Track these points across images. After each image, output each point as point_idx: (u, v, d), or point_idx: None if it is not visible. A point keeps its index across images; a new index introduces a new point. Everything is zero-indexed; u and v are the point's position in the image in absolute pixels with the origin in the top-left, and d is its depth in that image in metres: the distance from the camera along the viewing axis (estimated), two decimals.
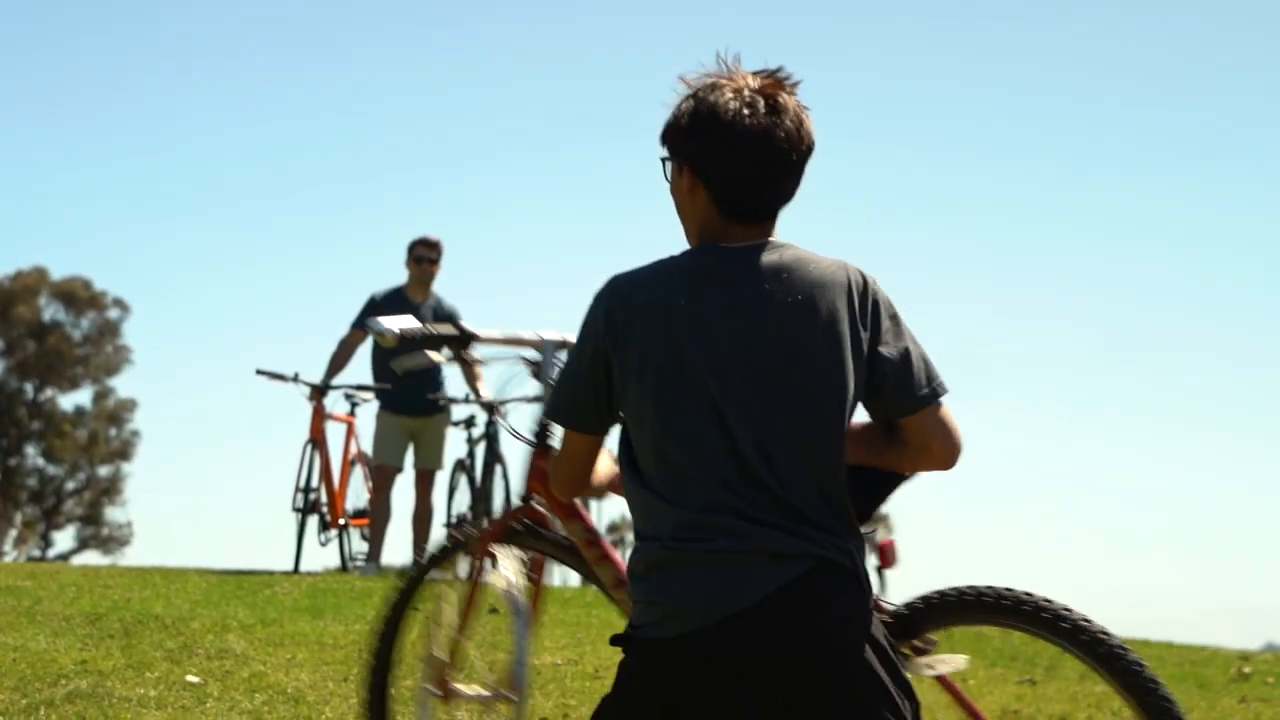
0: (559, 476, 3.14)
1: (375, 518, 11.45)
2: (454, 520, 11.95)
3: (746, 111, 2.85)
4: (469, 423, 11.92)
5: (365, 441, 11.70)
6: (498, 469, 11.65)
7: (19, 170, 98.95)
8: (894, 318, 2.90)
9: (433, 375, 11.49)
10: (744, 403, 2.76)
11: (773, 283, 2.82)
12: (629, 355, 2.82)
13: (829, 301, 2.82)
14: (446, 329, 4.55)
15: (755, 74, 2.93)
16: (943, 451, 2.94)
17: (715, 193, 2.89)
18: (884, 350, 2.86)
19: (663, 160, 3.00)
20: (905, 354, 2.88)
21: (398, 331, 4.42)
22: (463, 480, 11.98)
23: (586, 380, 2.91)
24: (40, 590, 8.54)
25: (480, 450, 11.80)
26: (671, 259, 2.91)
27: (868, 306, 2.87)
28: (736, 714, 2.63)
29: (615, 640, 2.82)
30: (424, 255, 11.48)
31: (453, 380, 11.70)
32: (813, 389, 2.78)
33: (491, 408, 11.64)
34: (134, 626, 7.06)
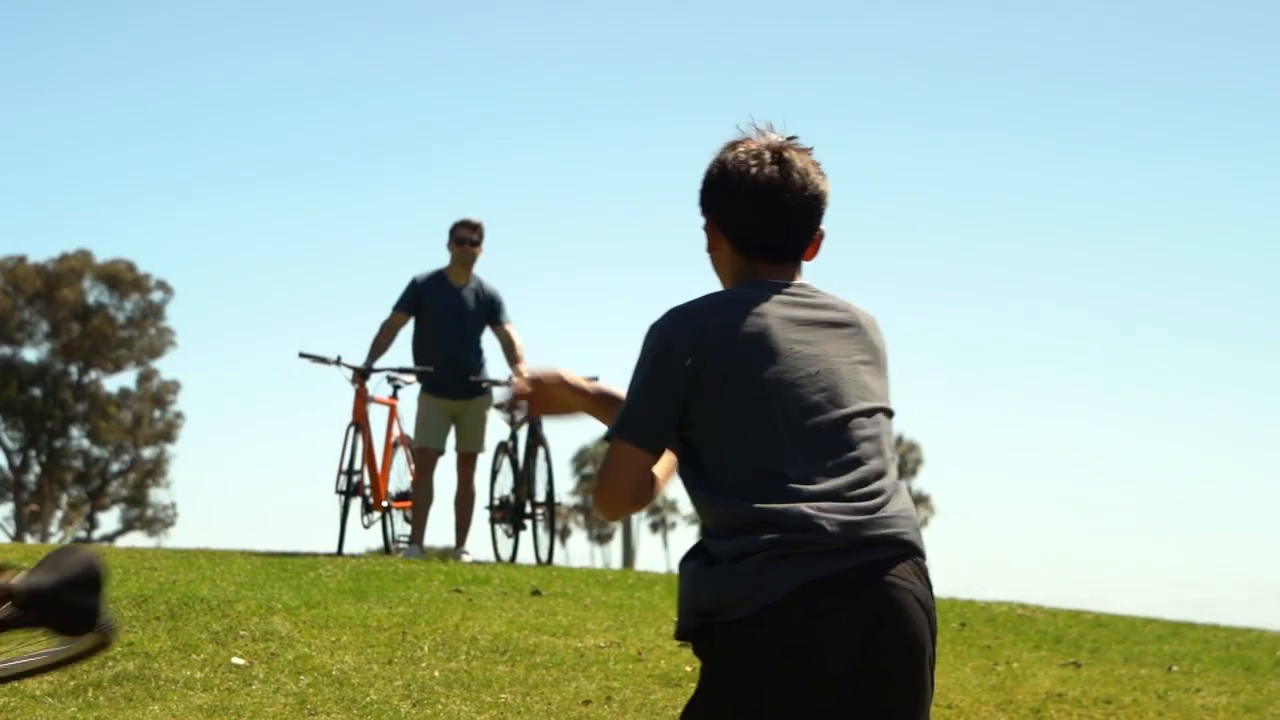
0: (609, 491, 3.19)
1: (418, 500, 11.46)
2: (496, 503, 11.98)
3: (754, 164, 3.16)
4: (511, 405, 11.91)
5: (408, 424, 11.70)
6: (540, 452, 11.67)
7: (64, 154, 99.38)
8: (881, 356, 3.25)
9: (474, 357, 11.52)
10: (811, 412, 3.02)
11: (810, 312, 3.13)
12: (704, 376, 3.03)
13: (855, 335, 3.16)
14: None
15: (774, 136, 3.24)
16: None
17: (733, 239, 3.19)
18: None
19: (703, 227, 3.28)
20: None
21: None
22: (505, 463, 12.00)
23: (657, 401, 3.08)
24: None
25: (523, 433, 11.83)
26: (725, 291, 3.21)
27: (877, 341, 3.21)
28: (825, 673, 2.84)
29: (688, 635, 3.01)
30: (465, 237, 11.48)
31: (496, 362, 11.72)
32: (861, 401, 3.07)
33: None
34: (180, 609, 7.09)
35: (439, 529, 12.09)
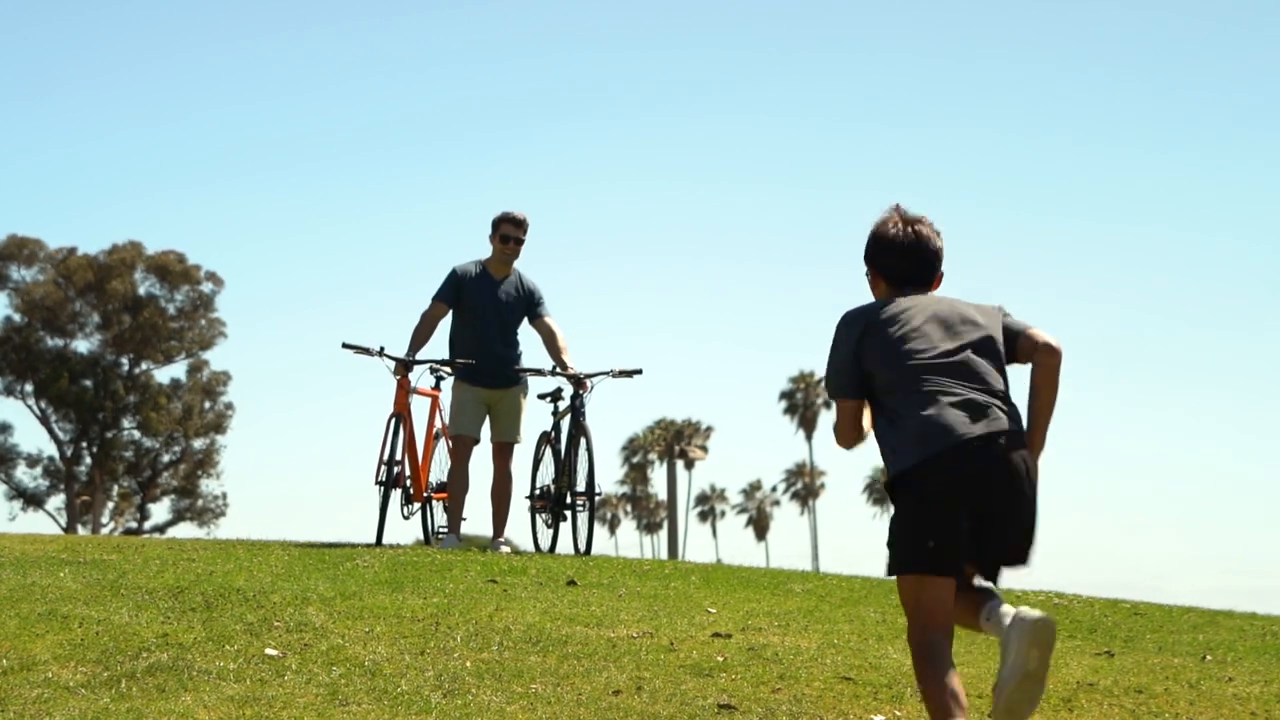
0: (843, 432, 5.42)
1: (453, 489, 11.50)
2: (537, 493, 12.00)
3: (895, 231, 5.42)
4: (555, 396, 11.98)
5: (449, 416, 11.75)
6: (582, 442, 11.68)
7: (115, 146, 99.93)
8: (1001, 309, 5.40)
9: (511, 350, 11.56)
10: (942, 362, 5.17)
11: (932, 301, 5.34)
12: (872, 350, 5.20)
13: (963, 310, 5.32)
14: None
15: (909, 213, 5.49)
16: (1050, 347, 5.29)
17: (885, 277, 5.45)
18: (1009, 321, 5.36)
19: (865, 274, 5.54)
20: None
21: None
22: (547, 453, 12.03)
23: (849, 369, 5.27)
24: (125, 564, 8.66)
25: (565, 424, 11.85)
26: (877, 301, 5.40)
27: (988, 311, 5.38)
28: (971, 487, 5.04)
29: (888, 486, 5.21)
30: (510, 234, 11.53)
31: (531, 355, 11.77)
32: (983, 349, 5.25)
33: (579, 381, 11.69)
34: (215, 600, 7.15)
35: (481, 520, 12.13)
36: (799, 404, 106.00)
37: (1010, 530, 5.12)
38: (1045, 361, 5.27)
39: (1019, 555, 5.19)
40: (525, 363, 11.67)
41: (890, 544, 5.17)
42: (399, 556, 9.46)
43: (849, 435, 5.41)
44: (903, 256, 5.38)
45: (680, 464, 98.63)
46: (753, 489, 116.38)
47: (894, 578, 5.14)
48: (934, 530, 5.02)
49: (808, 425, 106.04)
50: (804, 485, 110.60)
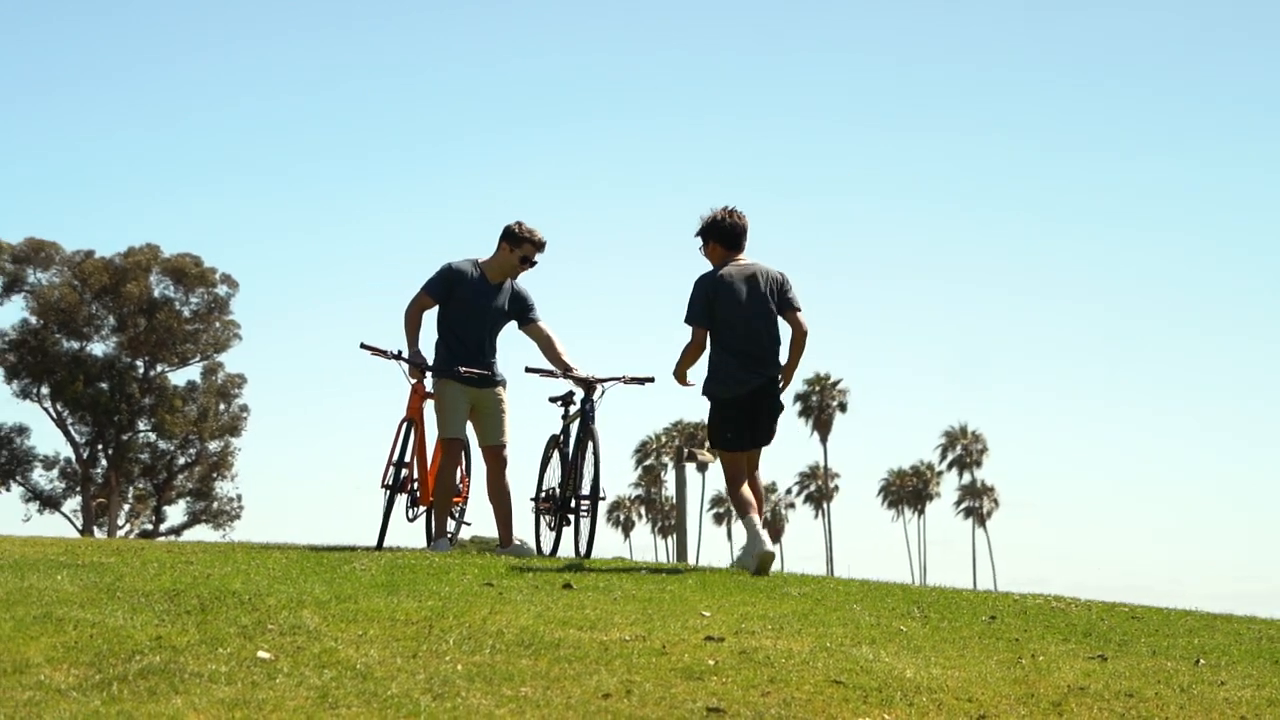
0: (690, 355, 11.10)
1: (441, 492, 11.57)
2: (541, 495, 12.04)
3: (723, 218, 11.16)
4: (566, 399, 12.03)
5: (438, 418, 11.80)
6: (589, 445, 11.72)
7: (130, 149, 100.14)
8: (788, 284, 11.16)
9: (493, 353, 11.66)
10: (750, 316, 10.93)
11: (752, 269, 11.03)
12: (718, 302, 10.84)
13: (765, 275, 11.01)
14: None
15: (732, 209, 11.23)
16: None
17: (722, 244, 11.15)
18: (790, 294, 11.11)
19: (704, 243, 11.24)
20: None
21: None
22: (555, 455, 12.09)
23: (704, 311, 10.89)
24: (123, 566, 8.70)
25: (574, 427, 11.89)
26: (724, 265, 11.08)
27: (780, 279, 11.05)
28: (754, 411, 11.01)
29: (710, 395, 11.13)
30: (529, 257, 11.65)
31: (531, 357, 11.85)
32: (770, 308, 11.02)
33: (588, 384, 11.74)
34: (211, 602, 7.17)
35: (487, 524, 12.18)
36: (814, 406, 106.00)
37: (767, 427, 11.13)
38: (797, 337, 11.10)
39: (769, 439, 11.18)
40: (499, 366, 11.78)
41: (712, 434, 11.14)
42: (397, 560, 9.50)
43: (694, 356, 11.12)
44: (735, 231, 11.14)
45: (691, 466, 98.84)
46: (767, 491, 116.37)
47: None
48: (735, 428, 11.00)
49: (822, 428, 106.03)
50: (818, 488, 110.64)
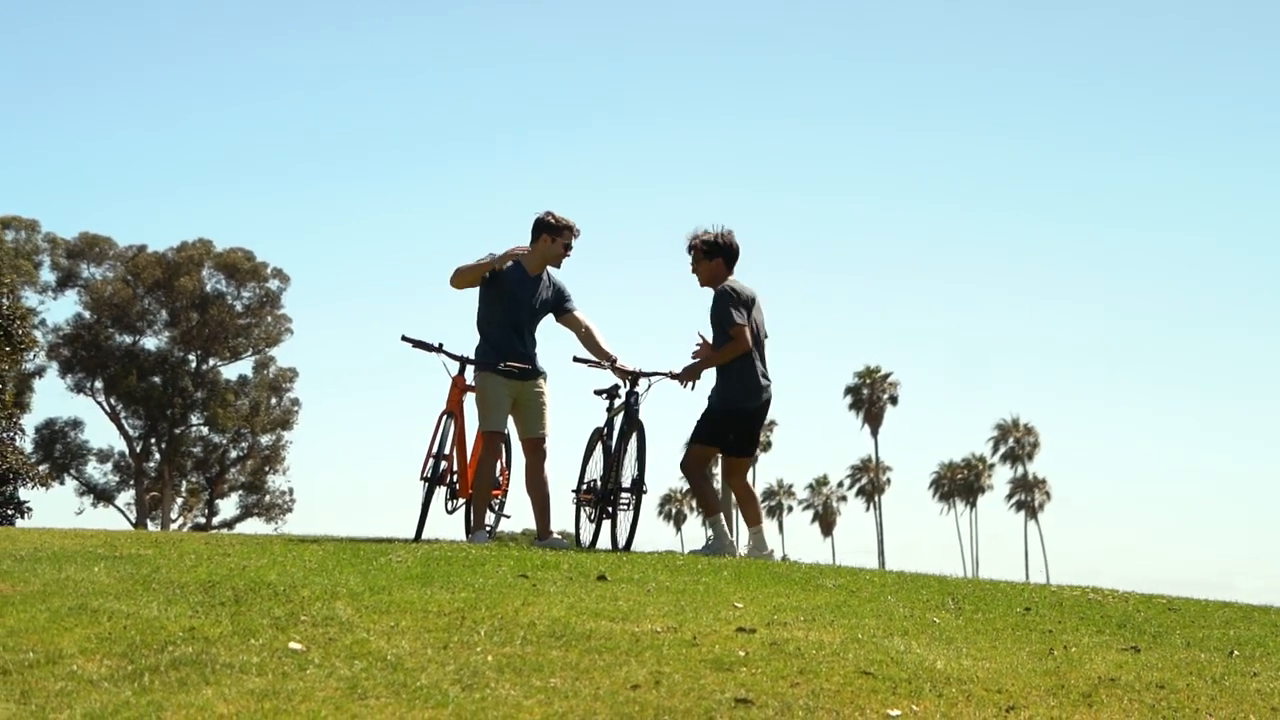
0: (732, 356, 11.76)
1: (480, 485, 11.58)
2: (584, 487, 12.05)
3: (734, 240, 11.90)
4: (612, 392, 12.05)
5: (479, 410, 11.80)
6: (633, 438, 11.72)
7: (184, 144, 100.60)
8: None
9: (533, 345, 11.66)
10: (761, 332, 11.98)
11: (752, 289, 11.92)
12: (747, 313, 11.69)
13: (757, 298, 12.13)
14: None
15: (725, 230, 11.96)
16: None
17: (728, 266, 11.88)
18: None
19: (705, 260, 11.94)
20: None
21: None
22: (599, 448, 12.09)
23: (744, 319, 11.77)
24: (160, 559, 8.76)
25: (619, 420, 11.90)
26: (729, 281, 11.85)
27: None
28: (760, 421, 12.05)
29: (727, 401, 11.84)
30: (570, 243, 11.66)
31: (570, 347, 11.88)
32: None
33: (633, 377, 11.75)
34: (245, 594, 7.22)
35: (526, 517, 12.20)
36: (864, 399, 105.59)
37: (759, 438, 11.97)
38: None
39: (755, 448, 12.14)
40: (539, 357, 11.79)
41: (709, 433, 11.82)
42: (433, 552, 9.52)
43: (734, 358, 11.65)
44: (735, 253, 11.96)
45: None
46: (819, 484, 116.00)
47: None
48: (742, 435, 11.88)
49: (873, 420, 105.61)
50: (870, 481, 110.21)
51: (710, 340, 11.82)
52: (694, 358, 11.90)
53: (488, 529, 11.71)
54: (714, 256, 11.88)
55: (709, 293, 11.87)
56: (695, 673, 6.01)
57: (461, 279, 11.48)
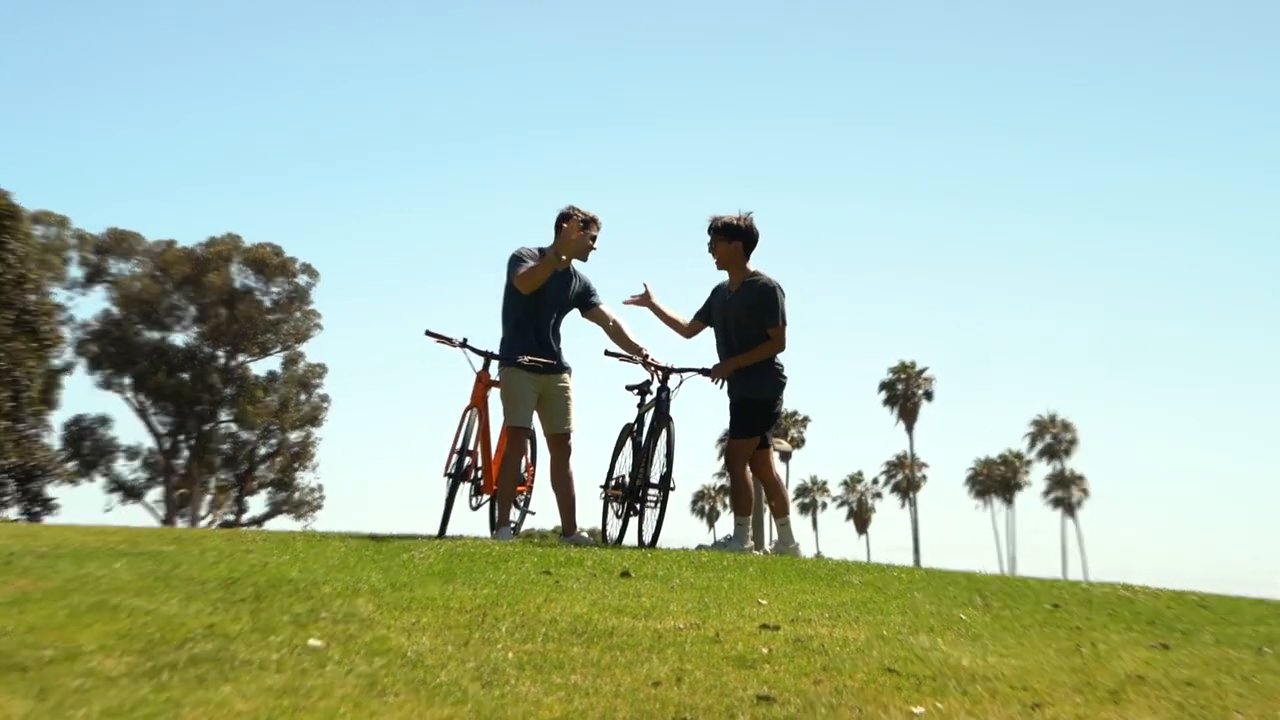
0: (767, 355, 11.96)
1: (505, 481, 11.54)
2: (612, 483, 12.01)
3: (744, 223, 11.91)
4: (644, 388, 12.02)
5: (504, 405, 11.77)
6: (663, 434, 11.67)
7: (212, 140, 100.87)
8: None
9: (559, 340, 11.61)
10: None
11: None
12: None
13: None
14: None
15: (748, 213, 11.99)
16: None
17: (748, 251, 11.92)
18: None
19: (724, 241, 11.95)
20: None
21: None
22: (629, 444, 12.06)
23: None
24: (181, 555, 8.73)
25: (649, 415, 11.86)
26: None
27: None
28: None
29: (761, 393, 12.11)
30: (597, 237, 11.60)
31: (599, 341, 11.83)
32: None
33: (665, 372, 11.71)
34: (266, 591, 7.18)
35: (551, 514, 12.24)
36: (899, 395, 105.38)
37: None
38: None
39: None
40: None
41: (746, 425, 11.91)
42: (456, 548, 9.48)
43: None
44: (755, 240, 11.98)
45: (775, 455, 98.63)
46: (853, 481, 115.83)
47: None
48: (770, 424, 12.04)
49: (908, 416, 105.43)
50: (905, 477, 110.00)
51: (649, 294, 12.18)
52: (633, 303, 12.14)
53: (512, 525, 11.68)
54: (734, 239, 11.98)
55: (723, 275, 12.13)
56: (717, 670, 5.96)
57: (531, 283, 11.40)
